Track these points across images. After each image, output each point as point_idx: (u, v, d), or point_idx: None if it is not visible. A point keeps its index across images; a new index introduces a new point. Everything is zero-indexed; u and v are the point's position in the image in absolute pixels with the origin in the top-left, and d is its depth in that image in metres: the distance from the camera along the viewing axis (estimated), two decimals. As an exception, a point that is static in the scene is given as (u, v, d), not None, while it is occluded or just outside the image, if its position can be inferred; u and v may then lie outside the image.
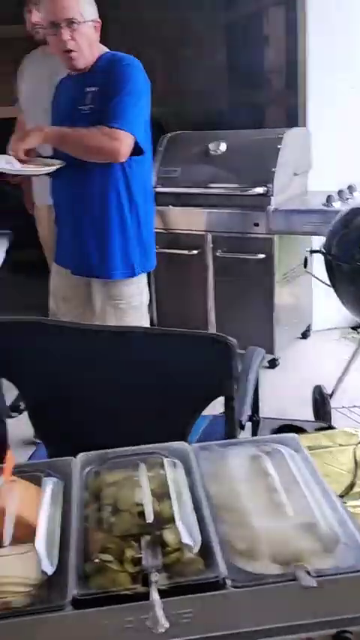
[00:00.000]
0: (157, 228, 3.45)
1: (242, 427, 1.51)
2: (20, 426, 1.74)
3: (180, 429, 1.48)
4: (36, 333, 1.62)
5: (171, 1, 5.54)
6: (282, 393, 2.90)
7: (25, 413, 1.70)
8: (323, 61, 3.53)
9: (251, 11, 5.06)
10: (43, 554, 0.82)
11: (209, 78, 5.93)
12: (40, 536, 0.84)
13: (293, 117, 3.95)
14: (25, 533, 0.87)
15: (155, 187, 3.44)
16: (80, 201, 2.32)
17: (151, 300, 3.62)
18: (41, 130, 2.19)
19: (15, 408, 1.70)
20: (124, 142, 2.17)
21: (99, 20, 2.22)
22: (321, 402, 2.65)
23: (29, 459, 1.73)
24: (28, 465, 1.02)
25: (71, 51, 2.19)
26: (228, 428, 1.45)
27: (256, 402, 1.80)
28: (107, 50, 2.33)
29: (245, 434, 1.60)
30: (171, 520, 0.86)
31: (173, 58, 5.85)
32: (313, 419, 2.70)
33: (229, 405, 1.44)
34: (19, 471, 1.00)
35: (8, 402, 1.69)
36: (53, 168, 2.24)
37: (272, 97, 4.80)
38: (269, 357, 3.25)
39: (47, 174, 2.33)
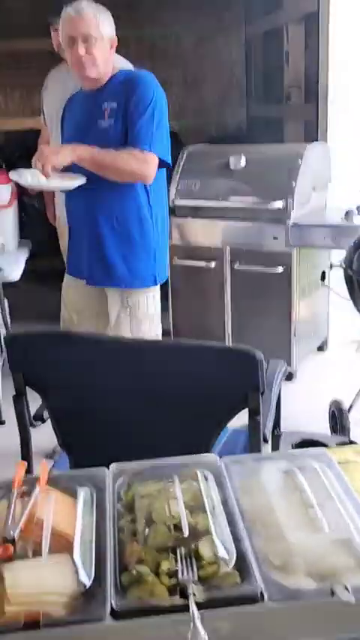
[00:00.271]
0: (175, 240, 3.50)
1: (266, 440, 1.52)
2: (40, 437, 1.75)
3: (204, 441, 1.49)
4: (61, 344, 1.64)
5: (191, 17, 5.60)
6: (299, 406, 2.90)
7: (45, 423, 1.72)
8: (343, 77, 3.55)
9: (272, 27, 5.09)
10: (80, 566, 0.83)
11: (228, 92, 5.98)
12: (76, 547, 0.85)
13: (312, 132, 3.97)
14: (60, 544, 0.88)
15: (174, 200, 3.47)
16: (101, 213, 2.34)
17: (167, 312, 3.66)
18: (74, 150, 2.21)
19: (38, 417, 1.72)
20: (152, 165, 2.24)
21: (115, 39, 2.27)
22: (339, 416, 2.64)
23: (52, 468, 1.74)
24: (62, 475, 1.03)
25: (84, 62, 2.22)
26: (253, 441, 1.46)
27: (277, 416, 1.81)
28: (121, 68, 2.38)
29: (266, 447, 1.60)
30: (206, 533, 0.87)
31: (193, 72, 5.90)
32: (330, 433, 2.70)
33: (253, 418, 1.45)
34: (53, 481, 1.01)
35: (32, 412, 1.71)
36: (77, 183, 2.26)
37: (291, 111, 4.82)
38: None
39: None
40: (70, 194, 2.40)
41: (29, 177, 2.22)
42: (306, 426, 2.63)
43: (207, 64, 5.87)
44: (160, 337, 2.52)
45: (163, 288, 3.57)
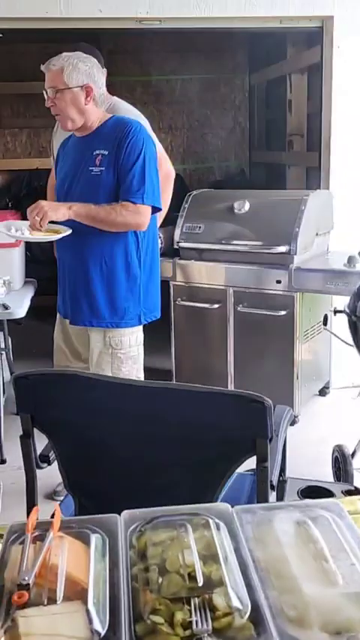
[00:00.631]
0: (179, 281, 3.54)
1: (273, 488, 1.52)
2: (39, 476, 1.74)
3: (212, 487, 1.49)
4: (69, 385, 1.65)
5: (197, 64, 5.77)
6: (301, 451, 2.89)
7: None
8: (345, 126, 3.64)
9: (275, 76, 5.24)
10: (94, 614, 0.83)
11: (232, 138, 6.12)
12: (90, 595, 0.85)
13: (314, 178, 4.05)
14: (73, 590, 0.88)
15: (179, 242, 3.53)
16: (89, 257, 2.41)
17: (170, 352, 3.67)
18: (70, 207, 2.30)
19: (44, 459, 1.71)
20: (146, 215, 2.35)
21: (90, 85, 2.34)
22: (342, 462, 2.64)
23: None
24: (73, 521, 1.03)
25: (57, 115, 2.38)
26: (260, 489, 1.46)
27: (283, 462, 1.81)
28: (112, 115, 2.46)
29: (271, 494, 1.60)
30: (220, 583, 0.87)
31: (198, 118, 6.04)
32: (332, 479, 2.68)
33: (261, 465, 1.45)
34: (64, 526, 1.01)
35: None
36: (60, 236, 2.35)
37: (294, 158, 4.92)
38: (288, 413, 3.25)
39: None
40: (60, 239, 2.44)
41: (13, 230, 2.37)
42: (309, 471, 2.62)
43: (211, 110, 6.02)
44: (142, 379, 2.54)
45: (166, 329, 3.62)
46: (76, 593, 0.87)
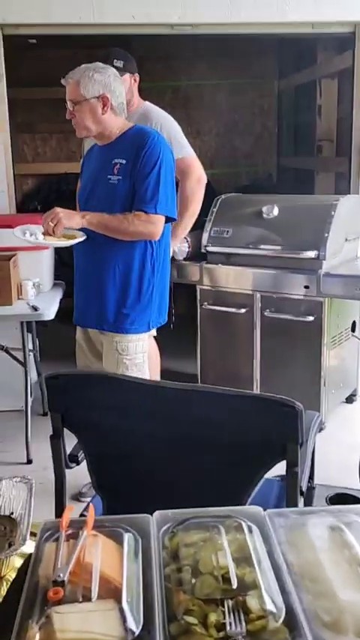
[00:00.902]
0: (205, 285, 3.54)
1: (302, 494, 1.51)
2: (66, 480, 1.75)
3: (241, 491, 1.48)
4: (100, 386, 1.66)
5: (226, 69, 5.78)
6: (328, 458, 2.87)
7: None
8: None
9: (305, 81, 5.23)
10: (128, 613, 0.83)
11: (260, 143, 6.11)
12: (124, 594, 0.86)
13: (343, 184, 4.03)
14: (107, 589, 0.88)
15: (206, 246, 3.53)
16: (103, 263, 2.44)
17: (195, 356, 3.67)
18: (83, 216, 2.35)
19: (73, 459, 1.72)
20: (159, 225, 2.38)
21: (106, 95, 2.37)
22: (369, 470, 2.60)
23: (83, 511, 1.74)
24: (105, 520, 1.04)
25: (76, 124, 2.42)
26: (290, 494, 1.45)
27: (312, 469, 1.80)
28: (133, 125, 2.49)
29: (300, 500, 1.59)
30: (253, 586, 0.87)
31: (226, 123, 6.05)
32: None
33: (291, 470, 1.44)
34: (97, 525, 1.01)
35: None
36: (73, 242, 2.39)
37: (322, 164, 4.90)
38: (314, 420, 3.23)
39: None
40: (77, 246, 2.48)
41: (28, 235, 2.41)
42: (336, 477, 2.59)
43: (240, 115, 6.02)
44: None
45: (191, 332, 3.62)
46: (110, 591, 0.88)
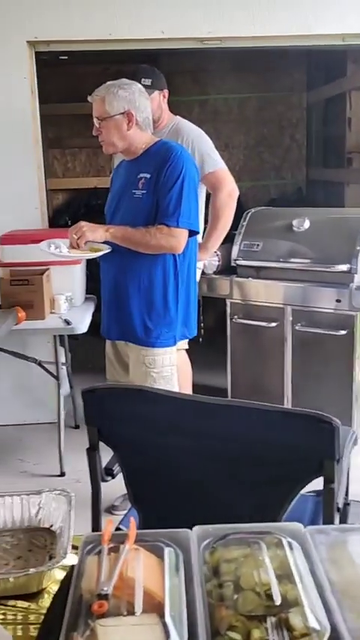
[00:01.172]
0: (236, 299, 3.55)
1: (339, 510, 1.50)
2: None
3: (276, 506, 1.48)
4: (136, 400, 1.67)
5: (254, 82, 5.81)
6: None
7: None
8: None
9: (334, 93, 5.23)
10: (172, 627, 0.83)
11: (289, 156, 6.12)
12: (167, 608, 0.86)
13: (374, 196, 4.02)
14: (149, 604, 0.89)
15: (236, 260, 3.54)
16: (128, 277, 2.48)
17: (224, 370, 3.67)
18: (107, 230, 2.39)
19: (109, 472, 1.74)
20: (181, 239, 2.40)
21: (131, 111, 2.41)
22: None
23: (120, 524, 1.75)
24: (147, 534, 1.04)
25: (102, 140, 2.47)
26: (327, 511, 1.44)
27: (347, 485, 1.78)
28: (159, 139, 2.53)
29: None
30: (295, 603, 0.87)
31: (255, 136, 6.07)
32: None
33: (328, 486, 1.43)
34: (138, 540, 1.02)
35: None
36: (99, 254, 2.44)
37: (353, 176, 4.88)
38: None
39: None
40: (103, 257, 2.52)
41: (53, 248, 2.48)
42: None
43: (268, 128, 6.05)
44: None
45: (221, 346, 3.62)
46: (152, 606, 0.88)
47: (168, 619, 0.85)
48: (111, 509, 2.69)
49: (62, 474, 3.13)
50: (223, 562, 0.98)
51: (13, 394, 3.74)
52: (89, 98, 2.46)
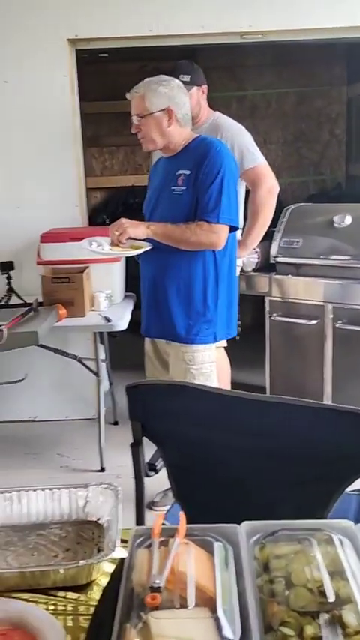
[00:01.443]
0: (275, 297, 3.53)
1: (386, 508, 1.48)
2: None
3: (321, 505, 1.47)
4: (179, 396, 1.67)
5: (293, 77, 5.75)
6: None
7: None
8: None
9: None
10: (225, 621, 0.83)
11: (328, 151, 6.05)
12: (219, 602, 0.86)
13: None
14: (201, 598, 0.89)
15: (276, 257, 3.51)
16: (167, 274, 2.48)
17: (262, 368, 3.65)
18: (148, 227, 2.40)
19: (151, 467, 1.74)
20: (221, 234, 2.38)
21: (171, 108, 2.40)
22: None
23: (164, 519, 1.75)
24: (196, 529, 1.04)
25: (142, 137, 2.47)
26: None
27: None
28: (198, 135, 2.52)
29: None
30: (348, 600, 0.86)
31: (293, 131, 6.02)
32: None
33: (375, 484, 1.41)
34: (188, 534, 1.02)
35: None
36: (140, 251, 2.44)
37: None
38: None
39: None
40: (143, 255, 2.52)
41: (95, 246, 2.49)
42: None
43: (307, 123, 5.98)
44: None
45: (258, 344, 3.60)
46: (204, 600, 0.88)
47: (221, 613, 0.85)
48: (151, 505, 2.71)
49: (102, 470, 3.16)
50: (273, 558, 0.97)
51: (54, 390, 3.79)
52: (128, 95, 2.47)
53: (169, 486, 2.44)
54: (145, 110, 2.41)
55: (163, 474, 1.68)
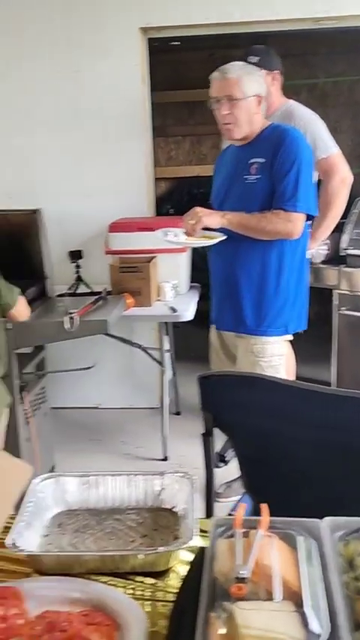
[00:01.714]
0: (343, 290, 3.45)
1: None
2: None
3: None
4: (251, 387, 1.65)
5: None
6: None
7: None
8: None
9: None
10: (312, 616, 0.82)
11: None
12: (305, 597, 0.85)
13: None
14: (286, 591, 0.87)
15: (346, 249, 3.44)
16: (241, 264, 2.44)
17: (328, 363, 3.58)
18: (224, 216, 2.36)
19: (221, 458, 1.74)
20: (298, 223, 2.34)
21: (261, 95, 2.36)
22: None
23: (231, 510, 1.75)
24: (278, 522, 1.03)
25: (229, 123, 2.38)
26: None
27: None
28: (270, 123, 2.46)
29: None
30: None
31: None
32: None
33: None
34: (270, 526, 1.01)
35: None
36: (215, 241, 2.40)
37: None
38: None
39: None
40: (213, 247, 2.50)
41: (172, 236, 2.46)
42: None
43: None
44: None
45: (323, 338, 3.53)
46: (289, 594, 0.87)
47: (307, 608, 0.83)
48: (214, 496, 2.70)
49: (165, 459, 3.17)
50: (357, 555, 0.95)
51: (119, 379, 3.83)
52: (215, 75, 2.38)
53: (232, 478, 2.46)
54: (240, 93, 2.35)
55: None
